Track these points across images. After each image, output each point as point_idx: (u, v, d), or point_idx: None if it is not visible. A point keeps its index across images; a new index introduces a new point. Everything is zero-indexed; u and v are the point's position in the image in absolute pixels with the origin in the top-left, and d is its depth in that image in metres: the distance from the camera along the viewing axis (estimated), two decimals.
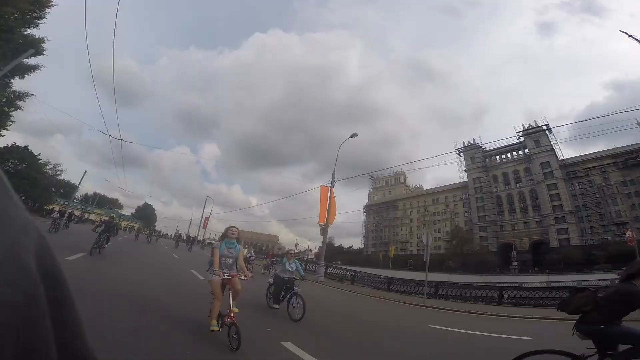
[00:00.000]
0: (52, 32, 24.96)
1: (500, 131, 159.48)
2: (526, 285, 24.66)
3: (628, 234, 45.82)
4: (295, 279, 7.79)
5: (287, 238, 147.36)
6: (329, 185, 23.93)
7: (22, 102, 25.22)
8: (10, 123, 25.78)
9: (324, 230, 23.33)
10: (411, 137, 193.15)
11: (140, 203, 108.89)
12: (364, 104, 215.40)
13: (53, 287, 0.35)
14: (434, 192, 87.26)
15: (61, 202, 56.81)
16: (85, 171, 53.96)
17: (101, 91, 31.96)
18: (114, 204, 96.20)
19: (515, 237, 66.13)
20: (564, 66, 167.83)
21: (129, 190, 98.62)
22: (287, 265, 8.04)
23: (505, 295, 16.84)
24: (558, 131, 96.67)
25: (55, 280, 0.36)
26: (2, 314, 0.27)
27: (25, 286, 0.30)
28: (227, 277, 4.95)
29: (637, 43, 35.36)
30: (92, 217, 64.38)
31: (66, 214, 26.69)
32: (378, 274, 24.76)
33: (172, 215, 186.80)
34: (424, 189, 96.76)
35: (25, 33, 22.89)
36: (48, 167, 45.22)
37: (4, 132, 26.22)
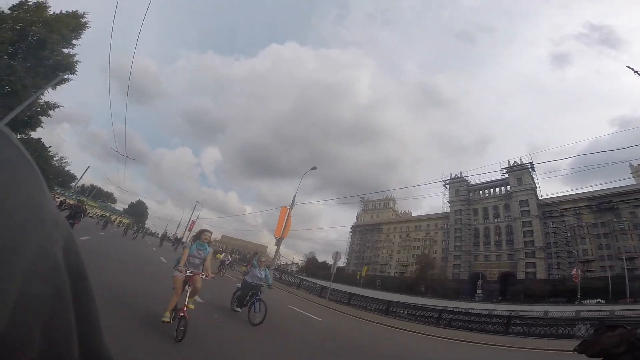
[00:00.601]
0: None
1: (501, 161, 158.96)
2: (472, 311, 27.47)
3: (574, 271, 48.84)
4: (262, 285, 8.02)
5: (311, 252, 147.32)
6: (289, 206, 27.18)
7: (52, 111, 28.79)
8: (41, 128, 29.75)
9: (278, 242, 26.62)
10: (413, 162, 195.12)
11: (134, 200, 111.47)
12: (370, 124, 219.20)
13: (77, 282, 0.36)
14: (417, 220, 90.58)
15: (58, 191, 60.06)
16: (89, 166, 57.41)
17: (114, 86, 35.58)
18: (108, 197, 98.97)
19: (486, 268, 68.87)
20: (573, 99, 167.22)
21: (125, 190, 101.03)
22: (257, 271, 8.20)
23: (402, 310, 20.75)
24: (556, 166, 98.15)
25: (79, 275, 0.37)
26: (35, 306, 0.28)
27: (55, 280, 0.32)
28: (190, 274, 5.35)
29: None
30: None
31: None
32: (316, 283, 29.04)
33: (165, 214, 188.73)
34: (413, 215, 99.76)
35: (66, 52, 26.78)
36: (55, 159, 48.72)
37: (32, 133, 30.17)
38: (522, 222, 68.92)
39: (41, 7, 24.93)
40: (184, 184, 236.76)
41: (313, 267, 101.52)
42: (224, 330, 6.54)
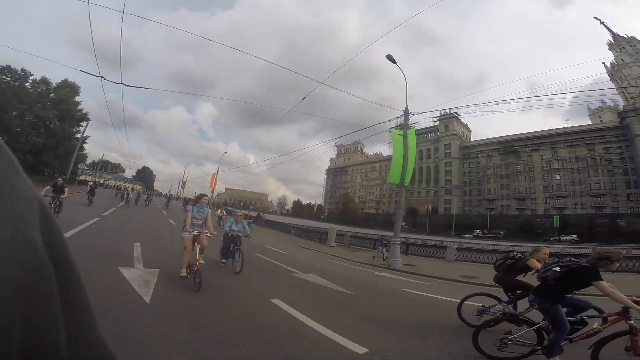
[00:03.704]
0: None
1: (496, 98, 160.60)
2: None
3: (426, 207, 65.32)
4: (240, 235, 8.76)
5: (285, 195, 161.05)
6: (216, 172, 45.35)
7: (86, 140, 50.00)
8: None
9: (212, 193, 45.51)
10: (408, 100, 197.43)
11: (140, 165, 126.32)
12: (361, 65, 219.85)
13: (60, 266, 0.34)
14: (372, 162, 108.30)
15: (90, 173, 77.54)
16: (103, 154, 74.38)
17: (84, 57, 56.15)
18: (117, 168, 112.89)
19: (419, 203, 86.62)
20: (574, 40, 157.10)
21: (133, 161, 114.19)
22: (233, 225, 8.93)
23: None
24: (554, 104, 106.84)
25: (62, 258, 0.35)
26: (11, 292, 0.26)
27: (33, 264, 0.30)
28: (196, 233, 6.36)
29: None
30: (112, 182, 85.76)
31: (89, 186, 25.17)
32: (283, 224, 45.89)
33: (170, 173, 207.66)
34: (384, 156, 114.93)
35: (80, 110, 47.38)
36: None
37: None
38: (445, 162, 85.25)
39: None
40: (184, 141, 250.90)
41: (298, 209, 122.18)
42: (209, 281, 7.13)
